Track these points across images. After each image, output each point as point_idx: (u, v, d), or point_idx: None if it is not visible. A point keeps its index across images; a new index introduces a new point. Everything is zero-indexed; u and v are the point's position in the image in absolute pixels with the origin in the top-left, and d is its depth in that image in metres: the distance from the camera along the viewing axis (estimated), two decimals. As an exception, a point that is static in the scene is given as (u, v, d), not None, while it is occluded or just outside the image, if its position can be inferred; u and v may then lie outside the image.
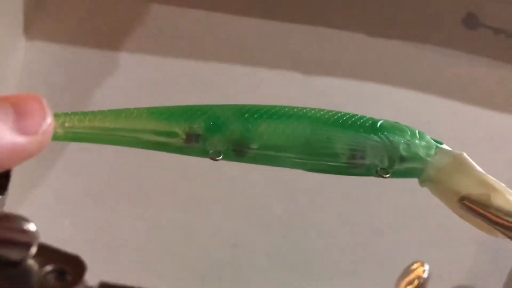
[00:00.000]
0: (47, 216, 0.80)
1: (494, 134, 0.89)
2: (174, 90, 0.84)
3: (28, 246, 0.29)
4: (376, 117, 0.39)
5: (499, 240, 0.43)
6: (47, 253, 0.31)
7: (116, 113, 0.37)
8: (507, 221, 0.37)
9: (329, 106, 0.86)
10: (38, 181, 0.81)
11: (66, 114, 0.36)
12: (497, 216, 0.37)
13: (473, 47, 0.88)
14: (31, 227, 0.29)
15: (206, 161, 0.87)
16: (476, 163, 0.39)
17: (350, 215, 0.85)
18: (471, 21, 0.87)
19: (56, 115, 0.36)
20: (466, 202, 0.38)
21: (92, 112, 0.37)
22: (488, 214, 0.37)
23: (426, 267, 0.48)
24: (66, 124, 0.36)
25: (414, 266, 0.49)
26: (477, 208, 0.37)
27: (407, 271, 0.50)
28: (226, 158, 0.37)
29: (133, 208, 0.82)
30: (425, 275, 0.48)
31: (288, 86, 0.86)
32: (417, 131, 0.39)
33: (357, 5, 0.86)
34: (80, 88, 0.82)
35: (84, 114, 0.37)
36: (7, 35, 0.77)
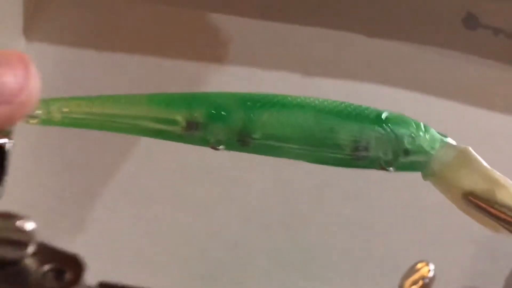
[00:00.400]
0: (45, 216, 0.80)
1: (494, 135, 0.89)
2: (174, 91, 0.84)
3: (25, 244, 0.29)
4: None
5: (499, 240, 0.43)
6: (45, 252, 0.31)
7: (115, 99, 0.37)
8: (510, 216, 0.37)
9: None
10: (36, 181, 0.81)
11: (63, 99, 0.36)
12: (502, 212, 0.37)
13: (473, 48, 0.88)
14: (29, 225, 0.29)
15: (206, 161, 0.86)
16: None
17: (350, 215, 0.85)
18: (470, 21, 0.87)
19: (53, 100, 0.35)
20: (470, 197, 0.37)
21: (90, 97, 0.37)
22: (492, 210, 0.37)
23: (431, 266, 0.48)
24: (64, 109, 0.36)
25: (419, 265, 0.49)
26: (482, 204, 0.37)
27: (412, 270, 0.50)
28: (227, 147, 0.37)
29: (133, 208, 0.82)
30: (430, 274, 0.48)
31: (287, 87, 0.86)
32: (422, 124, 0.39)
33: (356, 5, 0.86)
34: (80, 89, 0.82)
35: (82, 98, 0.37)
36: (7, 37, 0.77)
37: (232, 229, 0.84)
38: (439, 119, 0.87)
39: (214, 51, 0.85)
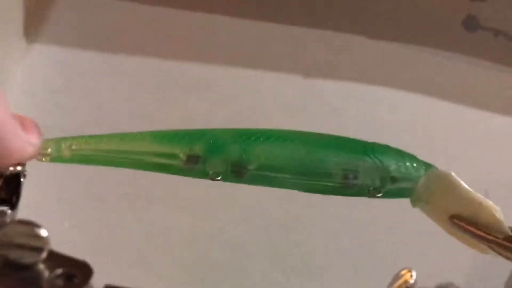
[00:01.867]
0: (46, 219, 0.79)
1: (493, 136, 0.89)
2: (175, 92, 0.84)
3: (39, 250, 0.30)
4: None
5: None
6: (56, 258, 0.33)
7: (121, 136, 0.40)
8: (495, 237, 0.38)
9: (329, 108, 0.86)
10: (38, 183, 0.81)
11: (73, 138, 0.39)
12: (485, 233, 0.38)
13: (473, 50, 0.89)
14: (43, 232, 0.31)
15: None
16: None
17: (350, 217, 0.86)
18: (471, 23, 0.87)
19: (64, 139, 0.39)
20: (455, 220, 0.38)
21: (98, 136, 0.39)
22: (478, 232, 0.38)
23: (414, 273, 0.49)
24: (73, 147, 0.39)
25: (402, 272, 0.51)
26: (466, 226, 0.38)
27: (396, 278, 0.51)
28: (224, 179, 0.39)
29: (133, 211, 0.82)
30: (411, 281, 0.49)
31: (289, 88, 0.87)
32: (406, 154, 0.41)
33: (357, 7, 0.87)
34: (81, 91, 0.82)
35: (91, 137, 0.39)
36: (8, 38, 0.77)
37: (232, 232, 0.84)
38: (438, 120, 0.88)
39: (215, 52, 0.85)
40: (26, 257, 0.30)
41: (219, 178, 0.38)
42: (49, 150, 0.39)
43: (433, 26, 0.89)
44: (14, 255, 0.30)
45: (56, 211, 0.81)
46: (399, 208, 0.86)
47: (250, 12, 0.85)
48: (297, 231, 0.85)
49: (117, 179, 0.83)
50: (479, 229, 0.38)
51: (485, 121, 0.90)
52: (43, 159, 0.39)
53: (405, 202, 0.86)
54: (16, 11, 0.78)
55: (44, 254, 0.31)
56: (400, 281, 0.49)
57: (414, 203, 0.41)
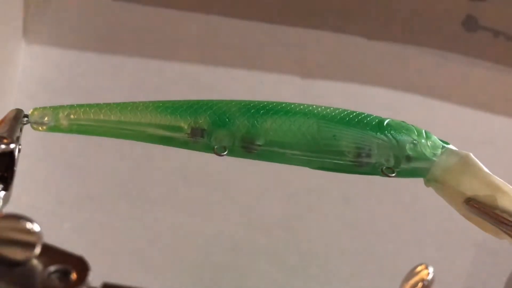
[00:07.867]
0: (46, 219, 0.79)
1: (493, 137, 0.89)
2: (174, 93, 0.84)
3: (32, 246, 0.29)
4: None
5: (499, 243, 0.43)
6: (51, 253, 0.31)
7: (122, 106, 0.37)
8: (512, 222, 0.37)
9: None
10: (38, 184, 0.81)
11: (71, 106, 0.36)
12: (503, 217, 0.37)
13: (473, 50, 0.88)
14: (35, 227, 0.29)
15: (206, 164, 0.86)
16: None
17: (350, 218, 0.85)
18: (470, 23, 0.87)
19: (62, 107, 0.36)
20: (472, 203, 0.37)
21: (98, 105, 0.37)
22: (494, 215, 0.37)
23: (430, 269, 0.48)
24: (71, 116, 0.36)
25: (418, 268, 0.49)
26: (483, 209, 0.37)
27: (411, 273, 0.50)
28: (231, 154, 0.37)
29: (133, 211, 0.82)
30: (429, 277, 0.48)
31: (287, 89, 0.86)
32: (423, 131, 0.39)
33: (356, 8, 0.86)
34: (80, 92, 0.82)
35: (90, 106, 0.37)
36: (7, 39, 0.77)
37: (232, 232, 0.84)
38: (439, 121, 0.88)
39: (214, 53, 0.85)
40: (18, 253, 0.29)
41: (225, 153, 0.36)
42: (46, 119, 0.36)
43: (433, 26, 0.88)
44: (4, 251, 0.28)
45: (56, 212, 0.81)
46: (399, 208, 0.86)
47: (249, 13, 0.85)
48: (297, 231, 0.85)
49: (117, 180, 0.83)
50: (495, 213, 0.37)
51: (484, 121, 0.90)
52: (40, 128, 0.37)
53: (405, 202, 0.86)
54: (15, 12, 0.78)
55: (37, 250, 0.29)
56: (416, 278, 0.49)
57: (428, 183, 0.39)
